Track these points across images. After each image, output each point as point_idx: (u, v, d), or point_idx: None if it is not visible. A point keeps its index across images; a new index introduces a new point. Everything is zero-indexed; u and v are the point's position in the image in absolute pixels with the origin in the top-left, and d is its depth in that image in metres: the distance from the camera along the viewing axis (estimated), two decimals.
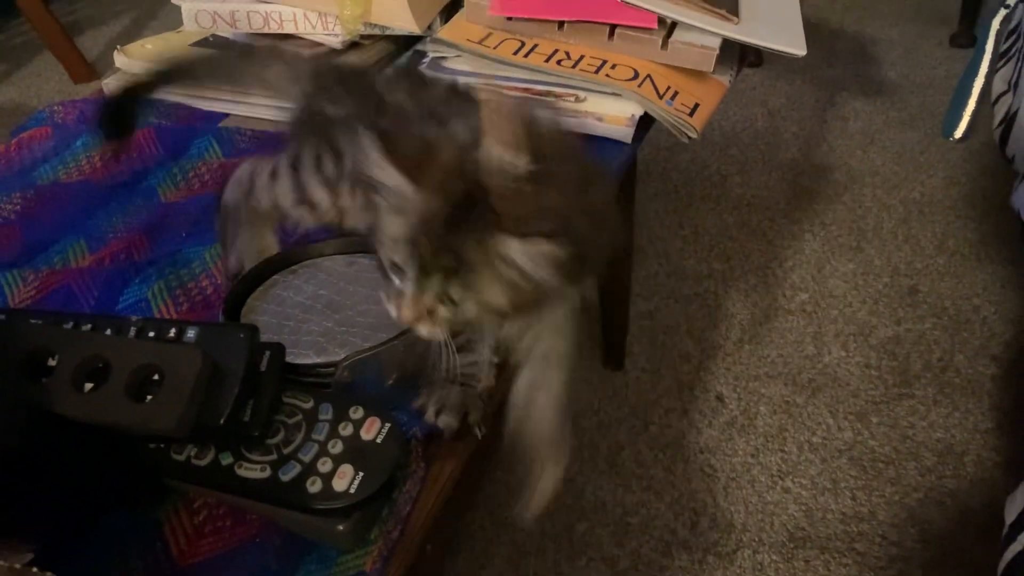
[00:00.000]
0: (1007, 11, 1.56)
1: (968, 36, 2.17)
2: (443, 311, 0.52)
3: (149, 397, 0.49)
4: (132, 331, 0.54)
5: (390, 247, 0.52)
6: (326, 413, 0.54)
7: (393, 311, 0.53)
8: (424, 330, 0.53)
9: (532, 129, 0.54)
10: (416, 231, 0.51)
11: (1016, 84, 1.27)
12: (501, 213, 0.50)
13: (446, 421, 0.59)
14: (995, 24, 1.62)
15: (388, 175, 0.51)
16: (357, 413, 0.53)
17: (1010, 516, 0.78)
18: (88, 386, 0.50)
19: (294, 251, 0.67)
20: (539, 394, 0.61)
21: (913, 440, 1.20)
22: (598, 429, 1.24)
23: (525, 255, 0.49)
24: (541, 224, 0.50)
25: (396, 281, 0.53)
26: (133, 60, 1.00)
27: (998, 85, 1.38)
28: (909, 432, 1.21)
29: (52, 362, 0.50)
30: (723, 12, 0.93)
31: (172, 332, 0.53)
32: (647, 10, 0.91)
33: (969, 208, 1.64)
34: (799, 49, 0.94)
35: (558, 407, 0.61)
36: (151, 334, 0.53)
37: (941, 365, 1.31)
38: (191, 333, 0.53)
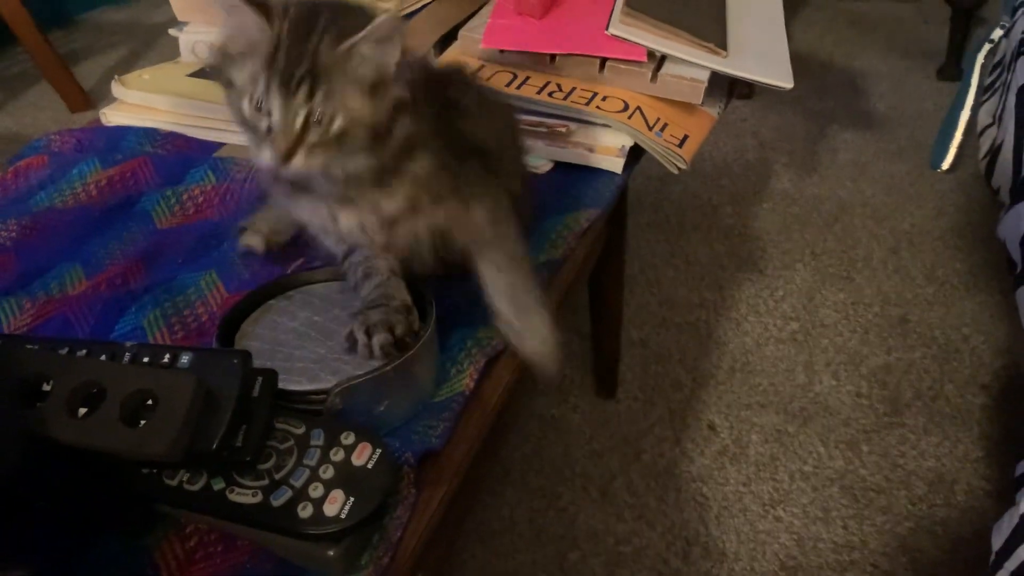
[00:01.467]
0: (991, 46, 1.59)
1: (955, 70, 2.20)
2: (314, 134, 0.57)
3: (143, 422, 0.49)
4: (127, 357, 0.54)
5: (249, 83, 0.57)
6: (318, 439, 0.54)
7: (267, 154, 0.57)
8: (299, 161, 0.57)
9: None
10: (270, 51, 0.56)
11: (1000, 117, 1.29)
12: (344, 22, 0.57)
13: (381, 340, 0.60)
14: (980, 58, 1.66)
15: (243, 13, 0.57)
16: (348, 439, 0.54)
17: (997, 544, 0.79)
18: (82, 411, 0.50)
19: (290, 277, 0.68)
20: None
21: (904, 469, 1.21)
22: (590, 457, 1.24)
23: (372, 39, 0.56)
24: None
25: (262, 123, 0.57)
26: (131, 90, 1.01)
27: (983, 118, 1.40)
28: (900, 461, 1.22)
29: (47, 387, 0.51)
30: (711, 46, 0.94)
31: (166, 358, 0.53)
32: (637, 44, 0.93)
33: (958, 238, 1.66)
34: (786, 82, 0.95)
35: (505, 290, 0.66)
36: (145, 360, 0.54)
37: (931, 394, 1.32)
38: (185, 359, 0.53)
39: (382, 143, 0.60)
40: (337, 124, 0.57)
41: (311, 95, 0.56)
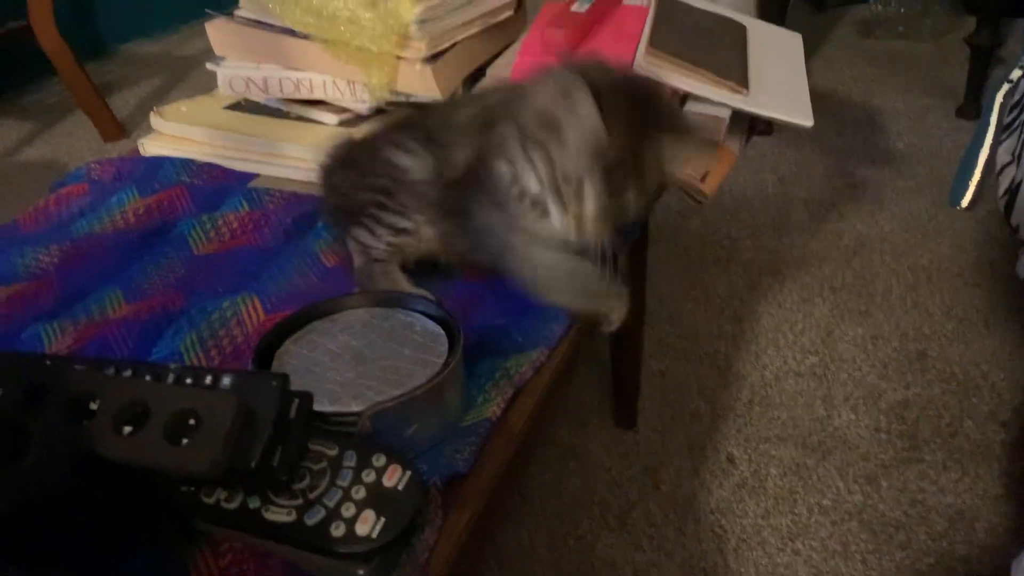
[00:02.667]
0: (1010, 85, 1.61)
1: (974, 108, 2.22)
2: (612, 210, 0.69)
3: (185, 441, 0.51)
4: (171, 378, 0.56)
5: (572, 164, 0.68)
6: (350, 460, 0.55)
7: (566, 224, 0.70)
8: (598, 234, 0.70)
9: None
10: (601, 147, 0.67)
11: (1020, 156, 1.30)
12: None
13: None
14: (999, 98, 1.67)
15: (587, 114, 0.67)
16: (380, 461, 0.55)
17: None
18: (127, 429, 0.52)
19: (335, 300, 0.70)
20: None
21: (923, 505, 1.20)
22: (609, 487, 1.25)
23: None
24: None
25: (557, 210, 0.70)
26: (169, 122, 1.05)
27: (1002, 156, 1.41)
28: (919, 496, 1.22)
29: (94, 406, 0.53)
30: (733, 84, 0.97)
31: (208, 379, 0.55)
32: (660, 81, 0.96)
33: (976, 275, 1.67)
34: (806, 120, 0.97)
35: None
36: (188, 381, 0.56)
37: (950, 430, 1.32)
38: (226, 380, 0.55)
39: None
40: (630, 205, 0.71)
41: (626, 175, 0.69)
